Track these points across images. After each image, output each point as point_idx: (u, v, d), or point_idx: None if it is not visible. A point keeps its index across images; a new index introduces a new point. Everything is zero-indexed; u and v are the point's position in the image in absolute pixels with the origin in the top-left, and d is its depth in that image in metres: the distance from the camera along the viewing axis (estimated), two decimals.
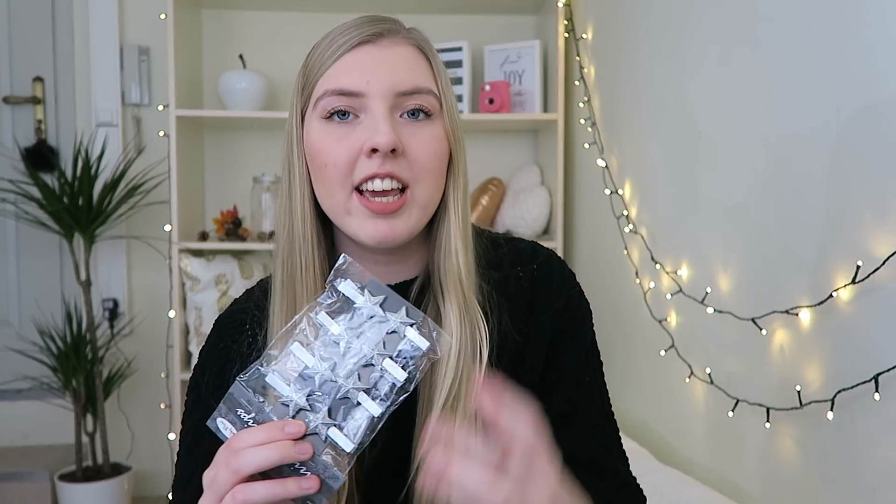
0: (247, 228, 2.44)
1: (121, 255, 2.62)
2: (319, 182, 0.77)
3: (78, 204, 2.28)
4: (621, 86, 1.96)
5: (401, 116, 0.76)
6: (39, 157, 2.53)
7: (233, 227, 2.40)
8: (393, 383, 0.61)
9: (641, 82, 1.81)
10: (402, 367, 0.61)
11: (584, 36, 2.24)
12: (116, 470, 2.40)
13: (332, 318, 0.62)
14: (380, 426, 0.61)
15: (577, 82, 2.29)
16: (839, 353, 1.08)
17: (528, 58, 2.45)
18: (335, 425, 0.60)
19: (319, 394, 0.61)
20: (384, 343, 0.61)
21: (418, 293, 0.82)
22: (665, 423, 1.70)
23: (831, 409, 1.06)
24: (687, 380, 1.53)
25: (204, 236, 2.39)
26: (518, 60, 2.47)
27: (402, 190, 0.75)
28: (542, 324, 0.83)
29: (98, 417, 2.39)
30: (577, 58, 2.28)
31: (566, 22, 2.36)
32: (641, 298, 1.77)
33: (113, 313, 2.59)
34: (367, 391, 0.61)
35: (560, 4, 2.35)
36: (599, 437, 0.83)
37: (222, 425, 0.61)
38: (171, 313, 2.35)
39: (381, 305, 0.61)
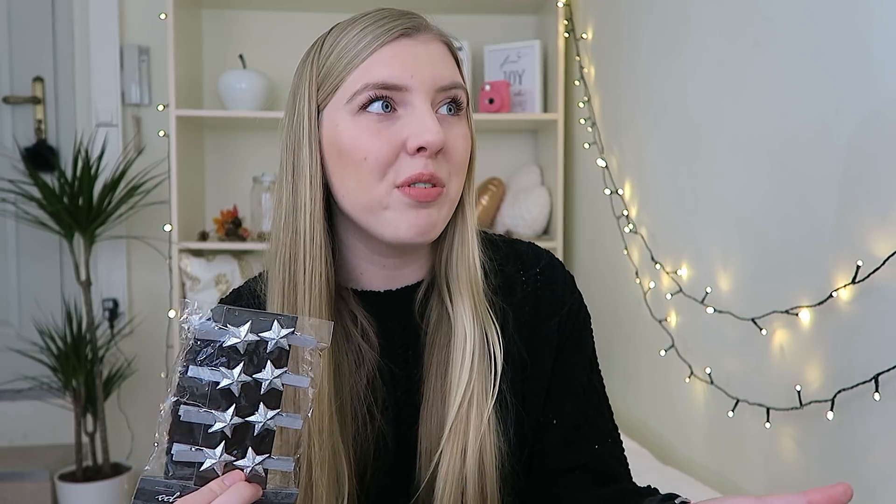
0: (247, 228, 2.44)
1: (121, 255, 2.62)
2: (352, 178, 0.72)
3: (78, 204, 2.28)
4: (621, 86, 1.96)
5: (437, 112, 0.73)
6: (39, 157, 2.53)
7: (233, 227, 2.40)
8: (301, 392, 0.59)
9: (641, 82, 1.81)
10: (303, 373, 0.59)
11: (584, 36, 2.24)
12: (116, 470, 2.40)
13: (209, 367, 0.57)
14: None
15: (577, 82, 2.29)
16: (839, 353, 1.08)
17: (528, 58, 2.45)
18: (267, 457, 0.58)
19: (235, 441, 0.57)
20: (274, 363, 0.57)
21: (424, 295, 0.81)
22: (665, 423, 1.70)
23: (831, 409, 1.06)
24: (687, 380, 1.53)
25: (204, 236, 2.39)
26: (518, 60, 2.47)
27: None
28: (547, 332, 0.82)
29: (98, 417, 2.38)
30: (577, 58, 2.28)
31: (566, 22, 2.36)
32: (641, 298, 1.77)
33: (113, 313, 2.59)
34: (280, 413, 0.58)
35: (560, 4, 2.35)
36: (609, 447, 0.83)
37: None
38: (171, 313, 2.35)
39: (251, 331, 0.57)
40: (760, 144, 1.29)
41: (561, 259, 2.41)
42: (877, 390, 0.98)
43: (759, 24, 1.29)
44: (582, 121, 2.24)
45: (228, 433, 0.57)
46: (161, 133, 2.37)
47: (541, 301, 0.83)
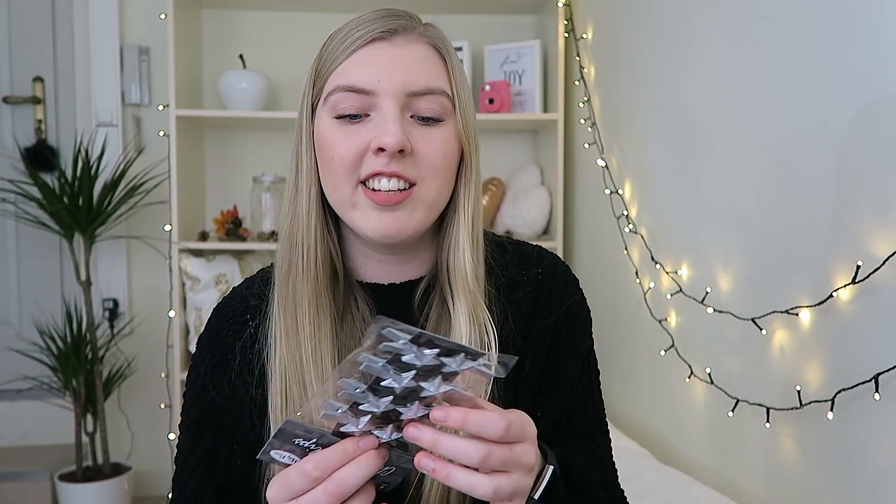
0: (247, 228, 2.44)
1: (121, 255, 2.62)
2: (326, 175, 0.76)
3: (78, 204, 2.28)
4: (621, 86, 1.96)
5: (411, 117, 0.75)
6: (39, 157, 2.53)
7: (233, 227, 2.40)
8: None
9: (641, 82, 1.81)
10: (467, 388, 0.59)
11: (584, 36, 2.24)
12: (116, 470, 2.40)
13: (384, 364, 0.57)
14: None
15: (577, 82, 2.29)
16: (839, 353, 1.08)
17: (528, 58, 2.45)
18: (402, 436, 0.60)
19: (380, 418, 0.60)
20: (444, 379, 0.58)
21: (422, 293, 0.82)
22: (665, 423, 1.70)
23: (831, 409, 1.06)
24: (687, 380, 1.53)
25: (204, 236, 2.39)
26: (518, 60, 2.47)
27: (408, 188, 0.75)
28: (543, 329, 0.83)
29: (98, 417, 2.38)
30: (577, 58, 2.28)
31: (566, 22, 2.36)
32: (641, 298, 1.77)
33: (113, 313, 2.59)
34: (430, 410, 0.60)
35: (560, 4, 2.35)
36: (590, 447, 0.83)
37: (278, 455, 0.62)
38: (171, 313, 2.35)
39: (437, 356, 0.56)
40: (760, 144, 1.29)
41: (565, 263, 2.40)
42: (877, 390, 0.98)
43: (759, 24, 1.29)
44: (582, 121, 2.24)
45: (378, 414, 0.59)
46: (161, 133, 2.37)
47: (539, 299, 0.84)
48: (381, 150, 0.72)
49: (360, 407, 0.59)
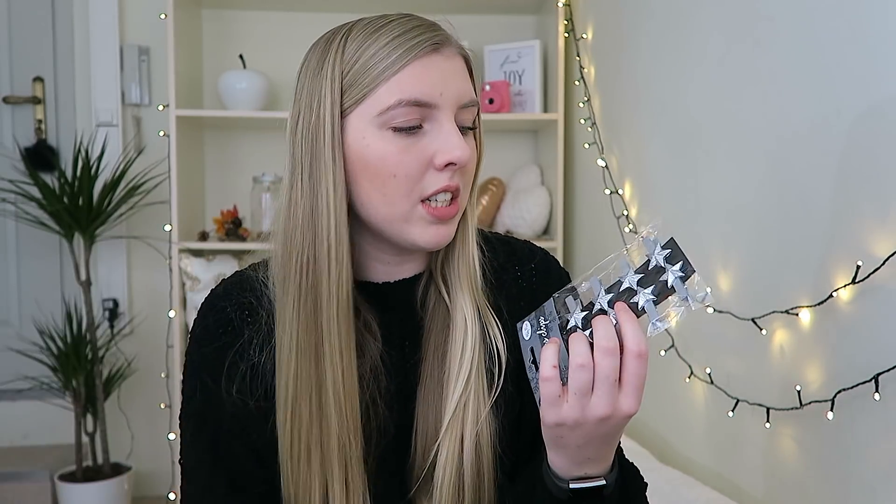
0: (247, 228, 2.44)
1: (121, 255, 2.62)
2: (376, 191, 0.73)
3: (78, 204, 2.28)
4: (621, 86, 1.96)
5: (459, 127, 0.76)
6: (39, 157, 2.53)
7: (233, 226, 2.40)
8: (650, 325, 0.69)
9: (641, 82, 1.81)
10: (665, 316, 0.68)
11: (584, 36, 2.24)
12: (116, 470, 2.40)
13: (627, 265, 0.68)
14: None
15: (577, 82, 2.29)
16: (839, 353, 1.08)
17: (528, 58, 2.45)
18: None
19: (587, 318, 0.69)
20: (655, 296, 0.67)
21: (423, 288, 0.84)
22: (665, 423, 1.70)
23: (831, 409, 1.06)
24: (687, 380, 1.53)
25: (204, 236, 2.39)
26: (518, 60, 2.47)
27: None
28: None
29: (98, 417, 2.38)
30: (577, 58, 2.28)
31: (566, 22, 2.36)
32: None
33: (113, 313, 2.59)
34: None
35: (560, 4, 2.35)
36: None
37: (525, 327, 0.73)
38: (171, 313, 2.35)
39: (679, 272, 0.65)
40: (760, 144, 1.29)
41: (561, 259, 2.39)
42: (877, 390, 0.98)
43: (760, 23, 1.29)
44: (582, 121, 2.24)
45: (593, 313, 0.68)
46: (161, 133, 2.37)
47: (536, 296, 0.85)
48: (449, 164, 0.73)
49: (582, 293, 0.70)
